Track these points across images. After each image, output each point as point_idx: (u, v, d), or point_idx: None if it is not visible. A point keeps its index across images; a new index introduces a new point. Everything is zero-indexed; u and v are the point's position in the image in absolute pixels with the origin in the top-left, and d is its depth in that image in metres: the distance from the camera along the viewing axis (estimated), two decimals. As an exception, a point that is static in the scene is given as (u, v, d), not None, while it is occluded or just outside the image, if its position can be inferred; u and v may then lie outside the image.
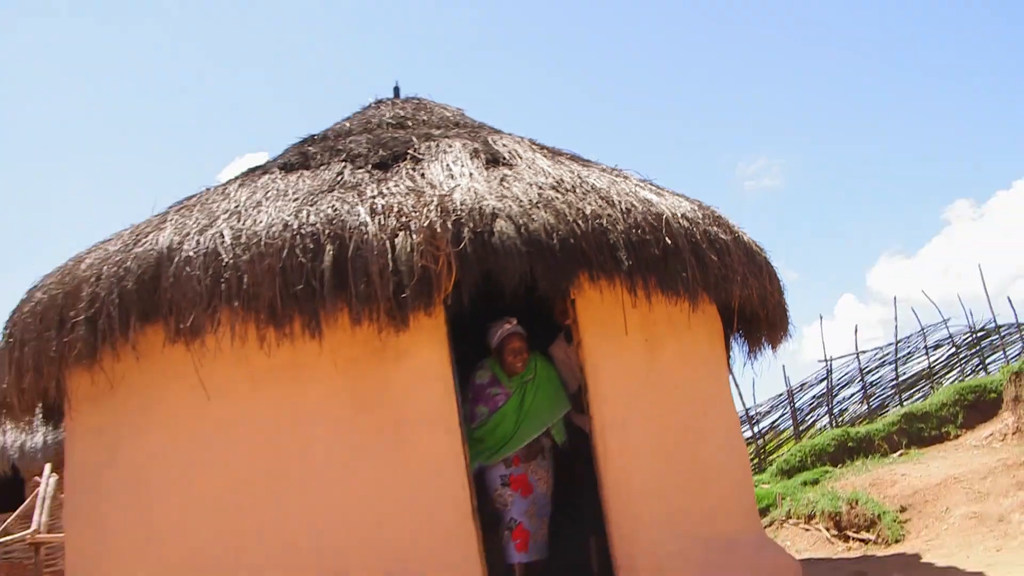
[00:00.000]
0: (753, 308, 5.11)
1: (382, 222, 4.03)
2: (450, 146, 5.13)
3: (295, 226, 4.01)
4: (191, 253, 3.92)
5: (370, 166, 4.91)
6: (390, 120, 6.19)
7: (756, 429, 12.25)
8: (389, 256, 3.87)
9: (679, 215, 4.54)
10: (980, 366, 13.30)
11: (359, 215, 4.07)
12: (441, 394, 4.12)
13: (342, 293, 3.84)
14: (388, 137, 5.47)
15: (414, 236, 3.93)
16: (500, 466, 4.57)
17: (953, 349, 13.50)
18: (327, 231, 3.98)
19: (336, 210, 4.13)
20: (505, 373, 4.64)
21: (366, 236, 3.94)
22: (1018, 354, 13.18)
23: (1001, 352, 13.57)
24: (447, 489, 4.04)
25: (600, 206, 4.34)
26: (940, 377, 13.05)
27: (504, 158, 4.99)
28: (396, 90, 7.05)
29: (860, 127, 35.51)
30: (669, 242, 4.31)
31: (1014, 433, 8.47)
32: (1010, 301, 18.00)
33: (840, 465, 9.62)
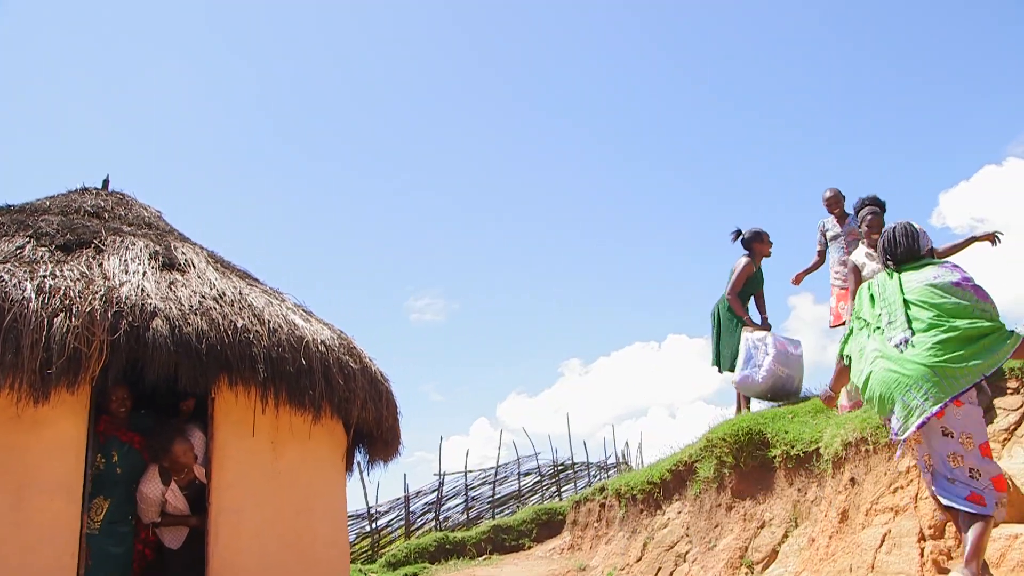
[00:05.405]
0: (370, 428, 5.73)
1: (46, 301, 4.28)
2: (133, 244, 5.39)
3: (-46, 289, 4.09)
4: None
5: (54, 247, 5.03)
6: (89, 208, 6.32)
7: (374, 525, 13.33)
8: (44, 333, 4.12)
9: (319, 340, 5.21)
10: (556, 493, 15.86)
11: (24, 290, 4.30)
12: (72, 463, 4.38)
13: (-12, 360, 3.95)
14: (80, 224, 5.61)
15: (73, 319, 4.21)
16: None
17: (539, 477, 15.94)
18: (-13, 300, 4.10)
19: (3, 281, 4.30)
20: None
21: (26, 311, 4.17)
22: (584, 487, 15.92)
23: (573, 484, 16.34)
24: (57, 557, 4.22)
25: (250, 321, 4.93)
26: (526, 498, 15.28)
27: (179, 264, 5.35)
28: (105, 182, 7.22)
29: (504, 286, 46.77)
30: (304, 362, 4.95)
31: (568, 548, 10.29)
32: (585, 445, 21.89)
33: (437, 563, 10.91)
